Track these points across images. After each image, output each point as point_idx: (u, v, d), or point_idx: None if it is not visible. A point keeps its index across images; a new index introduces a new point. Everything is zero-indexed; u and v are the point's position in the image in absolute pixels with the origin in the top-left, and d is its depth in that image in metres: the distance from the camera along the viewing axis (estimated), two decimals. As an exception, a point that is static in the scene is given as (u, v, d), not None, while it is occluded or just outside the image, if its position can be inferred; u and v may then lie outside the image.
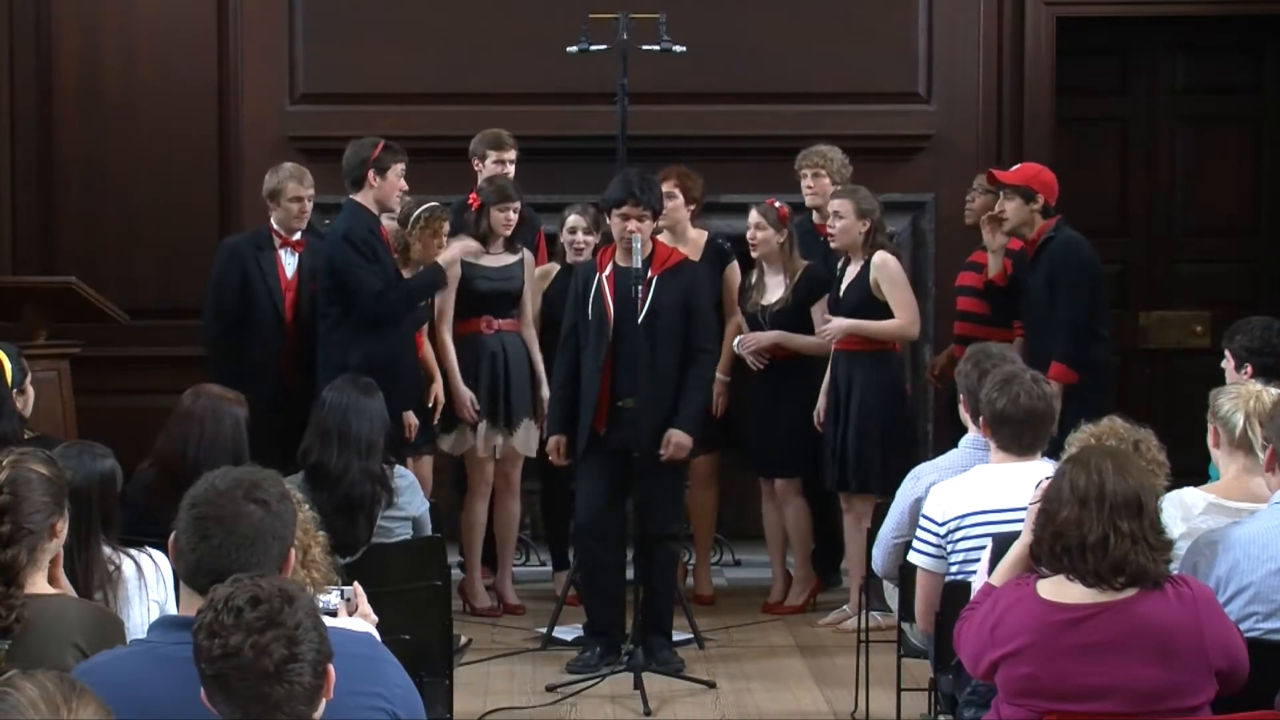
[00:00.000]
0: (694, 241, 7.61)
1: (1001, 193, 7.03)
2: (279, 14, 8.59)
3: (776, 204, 7.46)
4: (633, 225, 6.58)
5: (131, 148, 8.56)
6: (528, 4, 8.54)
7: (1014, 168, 7.20)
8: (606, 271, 6.71)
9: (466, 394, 7.36)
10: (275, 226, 7.30)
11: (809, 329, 7.40)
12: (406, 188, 7.04)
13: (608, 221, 6.80)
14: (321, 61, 8.60)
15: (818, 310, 7.40)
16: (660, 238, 7.51)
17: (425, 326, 7.32)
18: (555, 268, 7.72)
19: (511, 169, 7.63)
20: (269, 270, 7.24)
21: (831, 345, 7.23)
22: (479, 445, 7.43)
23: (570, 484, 7.53)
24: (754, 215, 7.44)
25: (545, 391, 7.39)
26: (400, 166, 6.94)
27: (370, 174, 6.90)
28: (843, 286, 7.26)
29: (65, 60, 8.57)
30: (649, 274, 6.64)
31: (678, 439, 6.61)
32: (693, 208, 7.62)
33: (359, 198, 6.96)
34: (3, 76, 8.52)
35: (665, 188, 7.48)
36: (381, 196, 6.96)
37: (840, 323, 7.15)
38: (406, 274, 7.19)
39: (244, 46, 8.59)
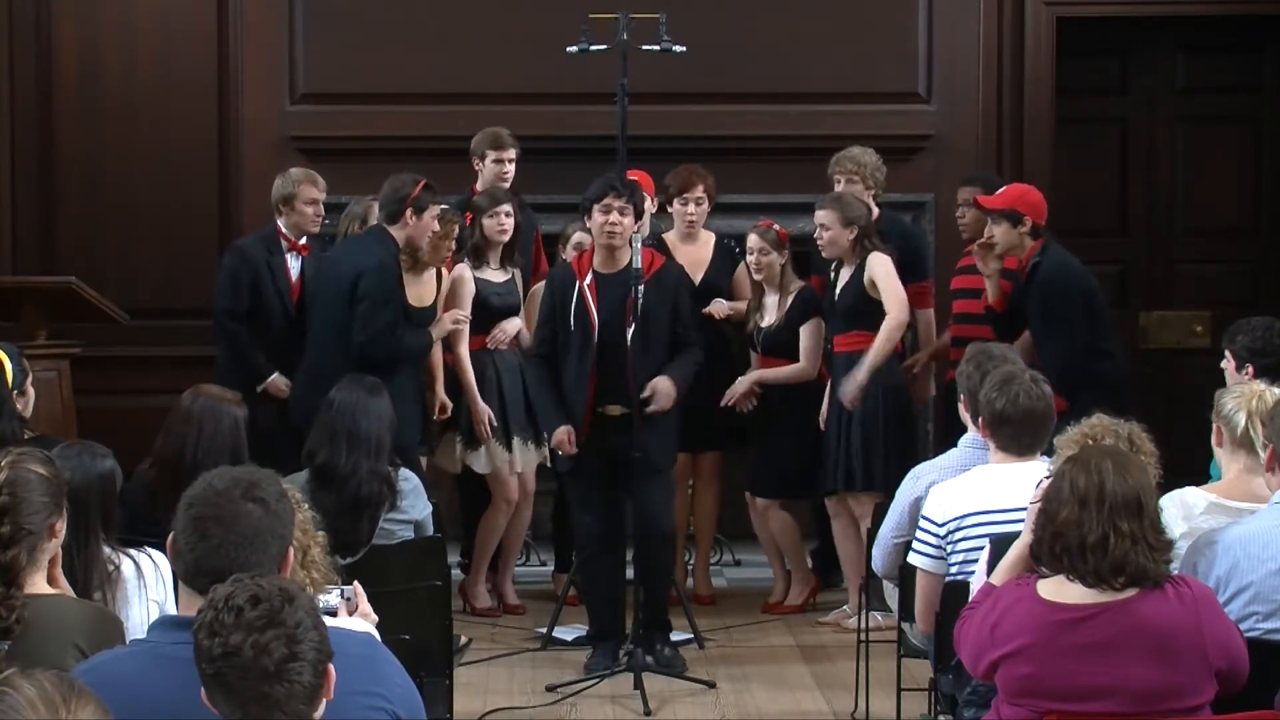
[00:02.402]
0: (704, 242, 7.61)
1: (989, 218, 7.00)
2: (279, 14, 8.58)
3: (774, 226, 7.44)
4: (614, 218, 6.52)
5: (131, 148, 8.55)
6: (528, 4, 8.54)
7: (999, 191, 7.15)
8: (587, 279, 6.62)
9: (485, 411, 7.33)
10: (285, 231, 7.27)
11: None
12: (438, 229, 7.01)
13: (587, 223, 6.74)
14: (321, 61, 8.60)
15: (806, 330, 7.39)
16: (670, 237, 7.52)
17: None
18: None
19: (511, 167, 7.62)
20: (279, 274, 7.24)
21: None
22: (515, 462, 7.42)
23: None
24: (754, 240, 7.39)
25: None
26: (436, 209, 6.90)
27: (408, 212, 6.83)
28: (837, 290, 7.25)
29: (65, 60, 8.57)
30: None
31: (664, 387, 6.51)
32: (709, 210, 7.63)
33: (390, 229, 6.89)
34: (3, 76, 8.52)
35: (695, 193, 7.49)
36: (414, 235, 6.89)
37: (855, 383, 7.05)
38: (414, 276, 7.18)
39: (244, 46, 8.58)
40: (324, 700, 2.68)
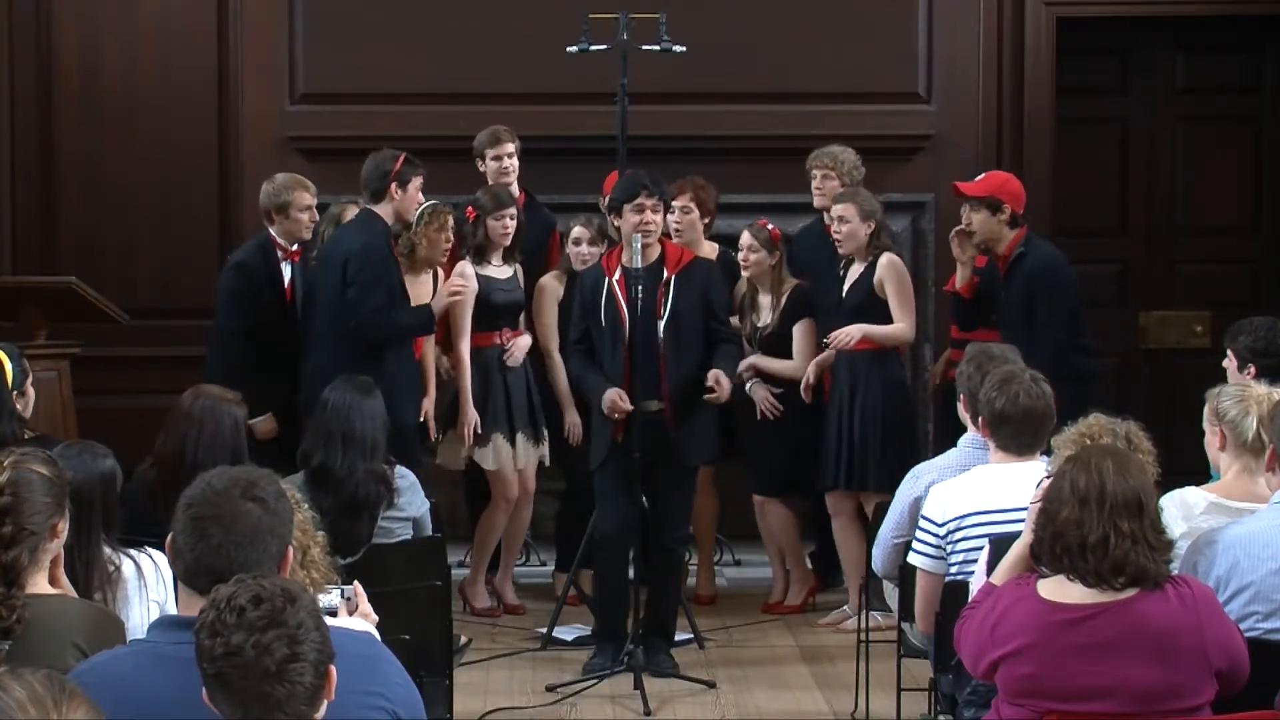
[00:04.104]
0: (706, 255, 7.59)
1: (968, 205, 7.02)
2: (279, 14, 8.58)
3: (768, 225, 7.44)
4: (648, 216, 6.53)
5: (131, 148, 8.56)
6: (528, 4, 8.54)
7: (978, 178, 7.18)
8: (616, 275, 6.63)
9: (473, 416, 7.31)
10: (278, 239, 7.22)
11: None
12: (423, 200, 7.02)
13: (615, 224, 6.74)
14: (321, 61, 8.60)
15: (799, 329, 7.38)
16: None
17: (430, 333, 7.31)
18: (564, 274, 7.69)
19: (512, 162, 7.61)
20: (279, 284, 7.22)
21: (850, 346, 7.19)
22: (519, 458, 7.41)
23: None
24: (746, 237, 7.39)
25: (536, 398, 7.45)
26: (420, 180, 6.91)
27: (392, 187, 6.86)
28: (844, 289, 7.25)
29: (65, 60, 8.57)
30: (666, 275, 6.60)
31: (726, 382, 6.53)
32: (707, 220, 7.61)
33: (376, 208, 6.92)
34: (3, 76, 8.52)
35: (680, 201, 7.46)
36: (401, 209, 6.92)
37: (852, 329, 7.11)
38: (413, 277, 7.18)
39: (244, 46, 8.58)
40: (325, 701, 2.68)
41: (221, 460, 4.49)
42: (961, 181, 7.26)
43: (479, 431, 7.33)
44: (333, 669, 2.68)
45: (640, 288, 6.51)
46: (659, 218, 6.60)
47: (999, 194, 6.93)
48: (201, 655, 2.64)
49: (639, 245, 6.51)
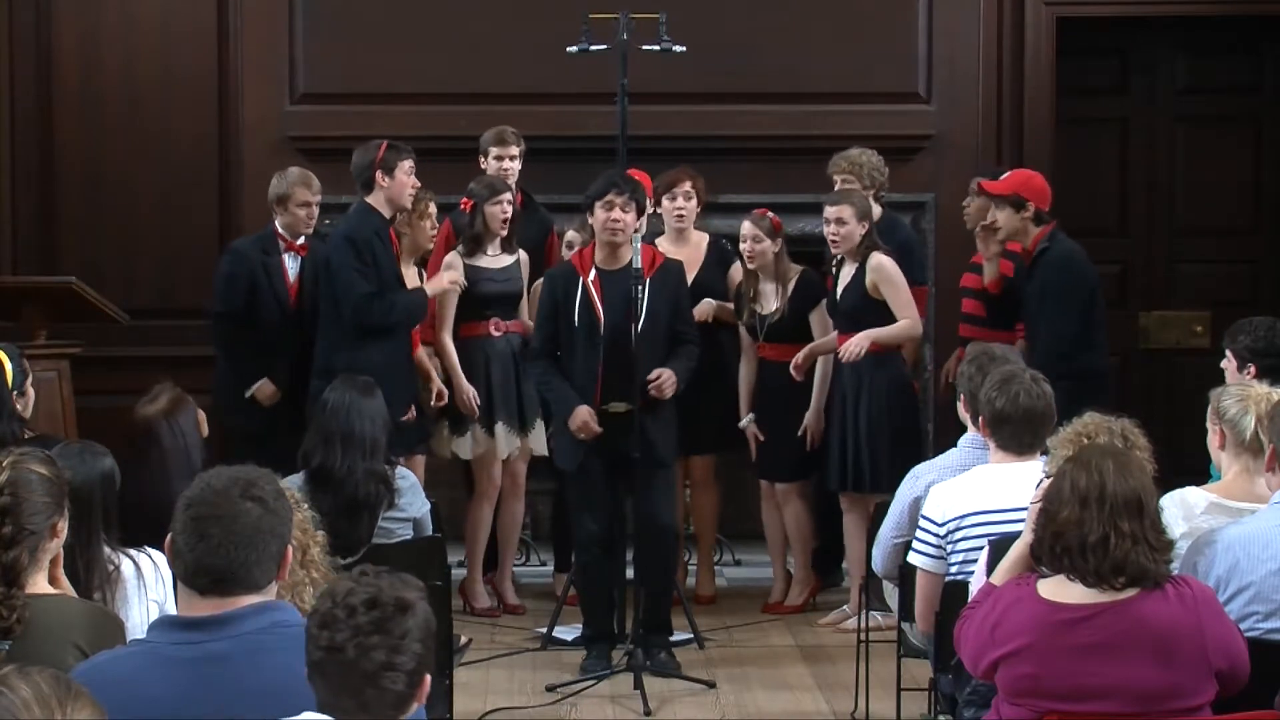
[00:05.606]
0: (695, 243, 7.60)
1: (992, 203, 7.03)
2: (279, 13, 8.58)
3: (769, 214, 7.42)
4: (617, 214, 6.53)
5: (131, 148, 8.55)
6: (528, 4, 8.54)
7: (1003, 176, 7.18)
8: (591, 276, 6.62)
9: (469, 390, 7.33)
10: (281, 230, 7.33)
11: (807, 337, 7.37)
12: (418, 184, 7.06)
13: (590, 220, 6.74)
14: (321, 61, 8.60)
15: (816, 317, 7.37)
16: (662, 241, 7.52)
17: (419, 326, 7.32)
18: None
19: (514, 164, 7.62)
20: (275, 274, 7.30)
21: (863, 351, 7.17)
22: (499, 448, 7.41)
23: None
24: (748, 227, 7.36)
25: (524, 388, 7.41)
26: (408, 164, 6.97)
27: (378, 175, 6.94)
28: (839, 290, 7.24)
29: (65, 60, 8.57)
30: (641, 277, 6.60)
31: (668, 375, 6.52)
32: (699, 209, 7.62)
33: (370, 200, 6.99)
34: (3, 76, 8.52)
35: (684, 188, 7.48)
36: (393, 196, 6.99)
37: (860, 337, 7.09)
38: (409, 266, 7.20)
39: (244, 46, 8.58)
40: (416, 704, 2.75)
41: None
42: (980, 179, 7.33)
43: (478, 402, 7.30)
44: (428, 678, 2.75)
45: (639, 287, 6.50)
46: (628, 216, 6.58)
47: (1021, 191, 6.94)
48: (308, 640, 2.73)
49: (638, 244, 6.51)
